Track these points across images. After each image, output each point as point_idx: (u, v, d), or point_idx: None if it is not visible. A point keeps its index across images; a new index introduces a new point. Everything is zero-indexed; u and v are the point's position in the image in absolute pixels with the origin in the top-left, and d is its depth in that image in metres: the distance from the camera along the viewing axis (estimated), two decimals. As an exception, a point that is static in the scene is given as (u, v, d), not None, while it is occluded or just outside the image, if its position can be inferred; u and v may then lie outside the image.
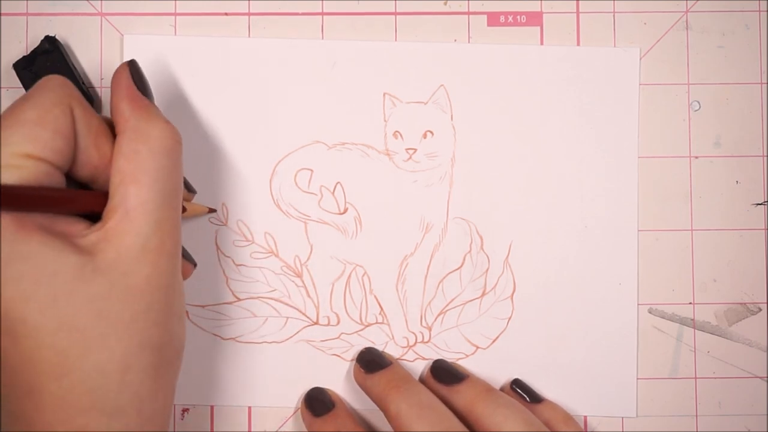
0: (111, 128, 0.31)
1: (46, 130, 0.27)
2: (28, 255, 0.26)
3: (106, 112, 0.39)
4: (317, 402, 0.37)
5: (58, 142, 0.28)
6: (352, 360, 0.38)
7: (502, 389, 0.38)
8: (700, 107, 0.39)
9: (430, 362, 0.38)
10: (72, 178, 0.30)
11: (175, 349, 0.30)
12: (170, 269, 0.29)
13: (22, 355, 0.26)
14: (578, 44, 0.39)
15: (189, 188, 0.36)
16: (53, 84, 0.29)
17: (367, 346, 0.38)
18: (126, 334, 0.27)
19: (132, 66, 0.32)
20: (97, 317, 0.26)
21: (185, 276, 0.34)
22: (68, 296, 0.26)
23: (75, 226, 0.28)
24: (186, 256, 0.35)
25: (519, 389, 0.37)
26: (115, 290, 0.27)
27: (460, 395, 0.36)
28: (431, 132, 0.39)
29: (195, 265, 0.36)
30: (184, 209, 0.35)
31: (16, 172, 0.26)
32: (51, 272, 0.26)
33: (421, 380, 0.38)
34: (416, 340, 0.39)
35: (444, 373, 0.37)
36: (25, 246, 0.26)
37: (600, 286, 0.39)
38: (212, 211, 0.38)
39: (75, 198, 0.28)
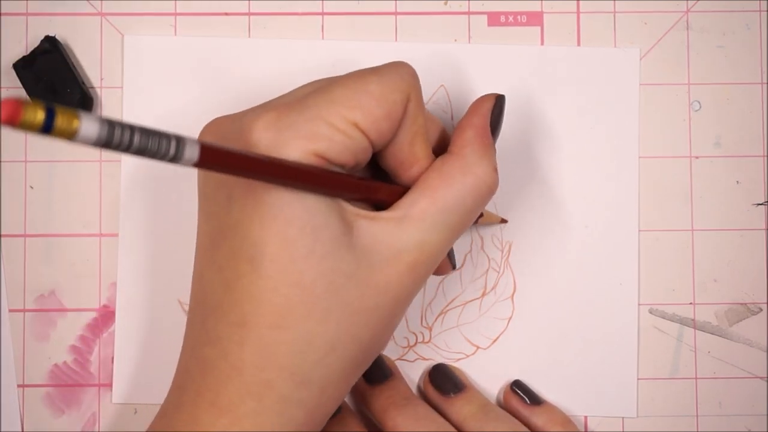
0: (436, 132, 0.32)
1: (381, 108, 0.27)
2: (305, 203, 0.26)
3: (106, 113, 0.39)
4: (374, 369, 0.37)
5: (385, 124, 0.28)
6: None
7: (502, 391, 0.38)
8: (700, 107, 0.39)
9: (430, 365, 0.38)
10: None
11: (374, 355, 0.30)
12: (410, 289, 0.29)
13: (251, 289, 0.26)
14: (578, 44, 0.39)
15: (452, 261, 0.36)
16: (403, 71, 0.29)
17: None
18: (347, 321, 0.27)
19: (498, 101, 0.32)
20: (332, 292, 0.27)
21: (442, 272, 0.35)
22: (320, 258, 0.26)
23: (354, 202, 0.28)
24: (450, 255, 0.35)
25: (519, 390, 0.37)
26: (358, 276, 0.27)
27: (455, 409, 0.36)
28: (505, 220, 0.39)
29: (454, 267, 0.36)
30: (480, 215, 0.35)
31: (340, 137, 0.27)
32: (317, 226, 0.26)
33: (420, 387, 0.38)
34: (416, 340, 0.39)
35: (442, 379, 0.37)
36: (307, 194, 0.26)
37: (600, 286, 0.39)
38: (504, 221, 0.38)
39: (371, 188, 0.29)
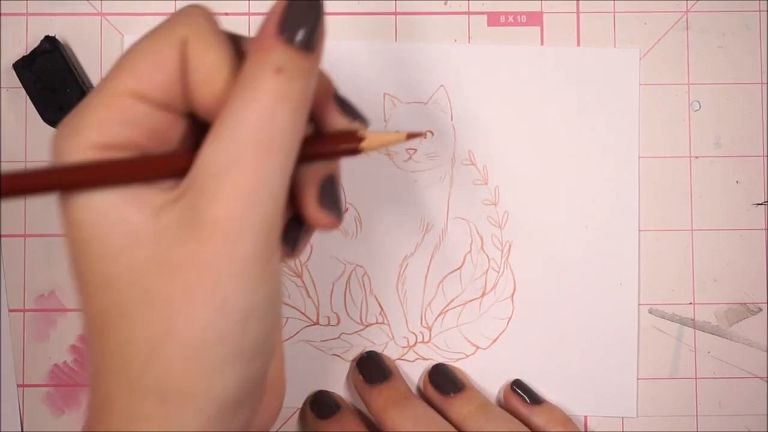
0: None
1: (148, 62, 0.24)
2: (93, 203, 0.24)
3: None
4: (322, 405, 0.37)
5: (158, 75, 0.24)
6: (352, 361, 0.38)
7: (502, 391, 0.38)
8: (700, 107, 0.39)
9: (430, 365, 0.38)
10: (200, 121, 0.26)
11: (259, 335, 0.24)
12: (224, 253, 0.23)
13: (81, 299, 0.25)
14: (578, 44, 0.39)
15: (355, 115, 0.29)
16: (179, 14, 0.25)
17: (368, 348, 0.38)
18: (157, 317, 0.23)
19: (291, 5, 0.25)
20: (135, 287, 0.23)
21: (316, 224, 0.27)
22: (115, 257, 0.23)
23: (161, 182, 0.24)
24: (324, 200, 0.28)
25: (519, 390, 0.37)
26: (155, 262, 0.23)
27: (454, 409, 0.36)
28: (431, 132, 0.39)
29: (338, 218, 0.28)
30: (358, 150, 0.28)
31: (112, 114, 0.24)
32: (107, 225, 0.23)
33: (419, 387, 0.38)
34: (416, 340, 0.39)
35: (442, 379, 0.37)
36: (93, 193, 0.24)
37: (600, 286, 0.39)
38: (416, 136, 0.28)
39: (155, 165, 0.24)
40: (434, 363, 0.38)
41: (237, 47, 0.26)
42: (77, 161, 0.24)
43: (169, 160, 0.25)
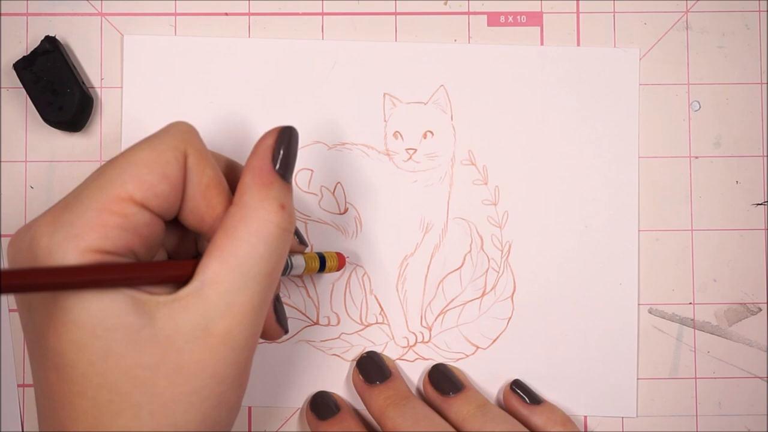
0: (235, 179, 0.29)
1: (154, 173, 0.26)
2: (93, 304, 0.25)
3: (106, 113, 0.39)
4: (322, 405, 0.37)
5: (163, 186, 0.26)
6: (352, 361, 0.38)
7: (501, 391, 0.38)
8: (700, 107, 0.39)
9: (430, 366, 0.38)
10: (179, 223, 0.29)
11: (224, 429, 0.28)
12: (232, 359, 0.26)
13: (62, 394, 0.25)
14: (578, 44, 0.39)
15: (300, 239, 0.34)
16: (174, 129, 0.28)
17: (368, 349, 0.38)
18: (161, 412, 0.26)
19: (282, 133, 0.29)
20: (139, 386, 0.25)
21: (270, 337, 0.32)
22: (118, 357, 0.25)
23: (157, 287, 0.27)
24: (280, 319, 0.32)
25: (519, 390, 0.37)
26: (164, 365, 0.25)
27: (454, 409, 0.36)
28: (431, 132, 0.39)
29: (286, 330, 0.33)
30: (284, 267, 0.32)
31: (113, 219, 0.25)
32: (110, 326, 0.25)
33: (419, 388, 0.38)
34: (416, 340, 0.39)
35: (441, 379, 0.37)
36: (94, 293, 0.25)
37: (600, 286, 0.39)
38: (339, 262, 0.36)
39: (158, 273, 0.26)
40: (434, 363, 0.38)
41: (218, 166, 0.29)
42: (80, 263, 0.25)
43: (173, 268, 0.27)
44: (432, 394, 0.37)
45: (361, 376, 0.37)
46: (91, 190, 0.26)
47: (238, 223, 0.27)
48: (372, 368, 0.37)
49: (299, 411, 0.38)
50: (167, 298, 0.26)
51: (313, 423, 0.37)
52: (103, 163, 0.38)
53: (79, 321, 0.25)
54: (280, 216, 0.28)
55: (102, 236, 0.25)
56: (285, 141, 0.29)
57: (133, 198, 0.26)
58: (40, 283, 0.24)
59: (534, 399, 0.37)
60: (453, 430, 0.35)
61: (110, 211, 0.25)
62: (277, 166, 0.28)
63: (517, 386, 0.38)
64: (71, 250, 0.25)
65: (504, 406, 0.38)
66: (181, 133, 0.27)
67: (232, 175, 0.30)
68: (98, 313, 0.25)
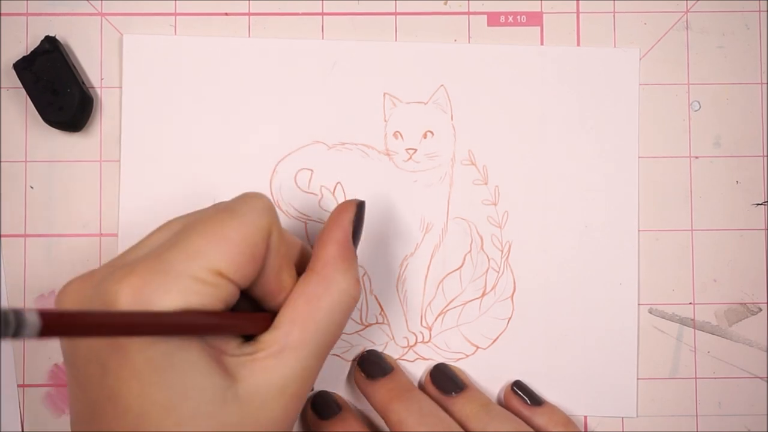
0: (296, 253, 0.31)
1: (244, 254, 0.27)
2: (184, 365, 0.25)
3: (106, 113, 0.39)
4: (324, 405, 0.37)
5: (250, 268, 0.27)
6: (353, 360, 0.38)
7: (502, 391, 0.38)
8: (700, 107, 0.39)
9: (431, 365, 0.38)
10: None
11: None
12: (296, 413, 0.29)
13: None
14: (578, 44, 0.39)
15: None
16: (260, 206, 0.28)
17: (368, 348, 0.38)
18: None
19: (359, 210, 0.32)
20: None
21: None
22: (206, 416, 0.26)
23: (228, 343, 0.28)
24: None
25: (519, 391, 0.37)
26: (246, 422, 0.27)
27: (456, 408, 0.36)
28: (431, 132, 0.39)
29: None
30: None
31: (208, 290, 0.26)
32: (199, 387, 0.26)
33: (421, 385, 0.38)
34: (416, 340, 0.39)
35: (443, 378, 0.37)
36: (184, 354, 0.26)
37: (600, 286, 0.39)
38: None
39: (242, 325, 0.28)
40: (435, 363, 0.38)
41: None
42: (171, 311, 0.25)
43: (255, 320, 0.29)
44: (434, 393, 0.37)
45: (362, 373, 0.37)
46: (182, 256, 0.26)
47: (322, 293, 0.29)
48: (372, 364, 0.37)
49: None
50: (246, 358, 0.27)
51: (315, 423, 0.37)
52: (103, 163, 0.39)
53: (169, 382, 0.25)
54: (356, 289, 0.30)
55: (197, 301, 0.26)
56: (360, 216, 0.32)
57: (223, 273, 0.26)
58: (130, 323, 0.24)
59: (535, 400, 0.37)
60: (457, 425, 0.35)
61: (204, 281, 0.26)
62: (355, 240, 0.31)
63: (518, 387, 0.38)
64: (169, 307, 0.25)
65: (505, 407, 0.38)
66: (267, 212, 0.28)
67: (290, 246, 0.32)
68: (187, 373, 0.25)
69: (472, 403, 0.36)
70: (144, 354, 0.25)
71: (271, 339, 0.28)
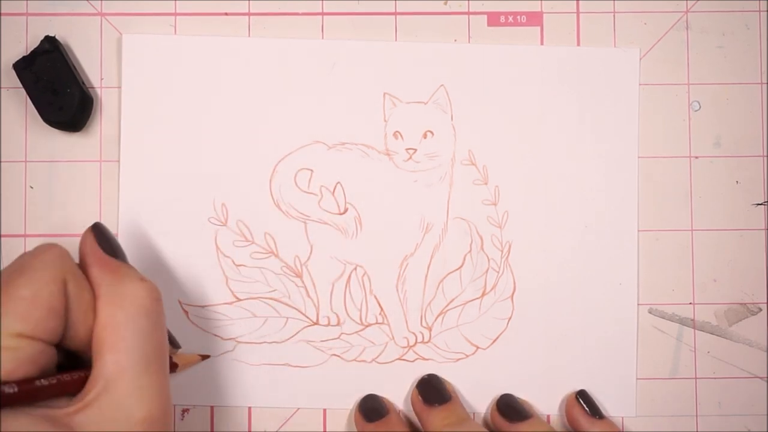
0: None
1: (40, 308, 0.27)
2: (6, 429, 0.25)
3: (106, 113, 0.39)
4: (371, 408, 0.37)
5: (51, 321, 0.27)
6: (414, 381, 0.38)
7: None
8: (700, 107, 0.39)
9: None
10: (61, 346, 0.29)
11: None
12: (165, 429, 0.28)
13: None
14: (578, 44, 0.39)
15: (173, 343, 0.36)
16: (49, 256, 0.28)
17: (430, 373, 0.38)
18: None
19: (96, 229, 0.31)
20: None
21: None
22: None
23: (57, 400, 0.27)
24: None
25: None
26: None
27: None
28: (431, 132, 0.39)
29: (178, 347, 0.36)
30: (174, 366, 0.35)
31: (8, 354, 0.26)
32: None
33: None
34: (416, 340, 0.39)
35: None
36: (13, 422, 0.25)
37: (600, 286, 0.39)
38: (205, 357, 0.38)
39: (63, 384, 0.27)
40: (435, 365, 0.38)
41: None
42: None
43: (77, 380, 0.28)
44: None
45: (420, 397, 0.37)
46: None
47: (112, 310, 0.28)
48: (432, 389, 0.37)
49: (299, 411, 0.38)
50: (77, 406, 0.27)
51: (361, 424, 0.37)
52: (102, 163, 0.39)
53: None
54: (145, 287, 0.29)
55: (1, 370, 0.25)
56: (101, 234, 0.31)
57: (23, 334, 0.26)
58: None
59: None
60: None
61: (5, 348, 0.26)
62: (111, 253, 0.30)
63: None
64: None
65: (567, 415, 0.38)
66: (58, 261, 0.28)
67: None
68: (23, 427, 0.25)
69: (536, 430, 0.36)
70: None
71: (93, 378, 0.27)
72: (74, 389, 0.28)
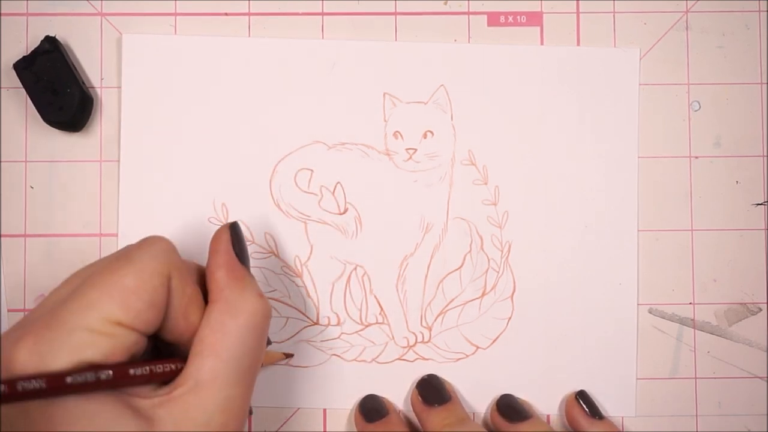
0: (204, 294, 0.30)
1: (143, 300, 0.27)
2: (91, 414, 0.25)
3: (106, 113, 0.39)
4: (371, 409, 0.37)
5: (150, 314, 0.27)
6: (413, 381, 0.38)
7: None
8: (700, 107, 0.39)
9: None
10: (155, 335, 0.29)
11: None
12: None
13: None
14: (578, 44, 0.39)
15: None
16: (156, 249, 0.28)
17: (429, 373, 0.38)
18: None
19: (233, 230, 0.31)
20: None
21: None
22: None
23: (142, 387, 0.28)
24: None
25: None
26: None
27: None
28: (431, 132, 0.39)
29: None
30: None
31: (105, 340, 0.26)
32: None
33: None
34: (416, 340, 0.39)
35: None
36: (89, 404, 0.25)
37: (600, 286, 0.39)
38: (289, 356, 0.38)
39: (154, 374, 0.28)
40: (434, 365, 0.38)
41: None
42: (75, 374, 0.25)
43: (163, 366, 0.28)
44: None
45: (420, 397, 0.37)
46: (77, 309, 0.26)
47: (225, 318, 0.28)
48: (432, 389, 0.37)
49: (299, 411, 0.38)
50: (162, 399, 0.27)
51: (360, 424, 0.37)
52: (102, 163, 0.39)
53: None
54: (261, 304, 0.29)
55: (95, 352, 0.26)
56: (237, 236, 0.31)
57: (121, 322, 0.26)
58: (29, 391, 0.24)
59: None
60: None
61: (100, 332, 0.26)
62: (241, 258, 0.31)
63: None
64: (65, 364, 0.25)
65: (566, 415, 0.38)
66: (164, 255, 0.28)
67: (202, 280, 0.31)
68: (97, 422, 0.25)
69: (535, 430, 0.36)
70: (44, 413, 0.25)
71: (185, 376, 0.28)
72: (162, 379, 0.28)
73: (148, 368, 0.27)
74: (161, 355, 0.30)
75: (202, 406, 0.27)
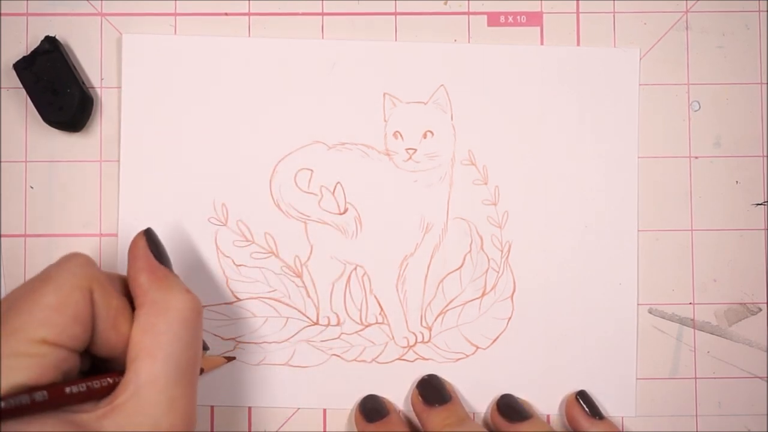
0: (131, 303, 0.30)
1: (65, 315, 0.27)
2: None
3: (106, 113, 0.39)
4: (371, 409, 0.37)
5: (76, 328, 0.27)
6: (414, 381, 0.38)
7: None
8: (700, 107, 0.39)
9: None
10: (89, 352, 0.29)
11: None
12: None
13: None
14: (578, 44, 0.39)
15: (203, 346, 0.36)
16: (74, 265, 0.28)
17: (430, 373, 0.38)
18: None
19: (148, 235, 0.32)
20: None
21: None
22: None
23: (82, 404, 0.27)
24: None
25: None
26: None
27: None
28: (431, 132, 0.39)
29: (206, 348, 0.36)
30: (200, 370, 0.35)
31: (33, 361, 0.26)
32: None
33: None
34: (416, 340, 0.39)
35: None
36: (29, 427, 0.25)
37: (600, 286, 0.39)
38: (231, 359, 0.38)
39: (92, 390, 0.28)
40: (434, 365, 0.38)
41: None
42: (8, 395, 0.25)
43: (106, 387, 0.28)
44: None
45: (420, 397, 0.37)
46: (3, 337, 0.26)
47: (154, 318, 0.28)
48: (432, 389, 0.37)
49: (299, 411, 0.38)
50: (105, 410, 0.27)
51: (361, 424, 0.37)
52: (102, 163, 0.39)
53: None
54: (190, 299, 0.30)
55: (25, 376, 0.26)
56: (153, 240, 0.32)
57: (47, 341, 0.26)
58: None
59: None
60: None
61: (27, 354, 0.26)
62: (160, 260, 0.31)
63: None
64: None
65: (567, 415, 0.38)
66: (82, 269, 0.28)
67: (128, 291, 0.31)
68: None
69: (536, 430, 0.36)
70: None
71: (125, 383, 0.28)
72: (101, 395, 0.28)
73: (85, 385, 0.27)
74: (100, 373, 0.29)
75: (145, 410, 0.27)
